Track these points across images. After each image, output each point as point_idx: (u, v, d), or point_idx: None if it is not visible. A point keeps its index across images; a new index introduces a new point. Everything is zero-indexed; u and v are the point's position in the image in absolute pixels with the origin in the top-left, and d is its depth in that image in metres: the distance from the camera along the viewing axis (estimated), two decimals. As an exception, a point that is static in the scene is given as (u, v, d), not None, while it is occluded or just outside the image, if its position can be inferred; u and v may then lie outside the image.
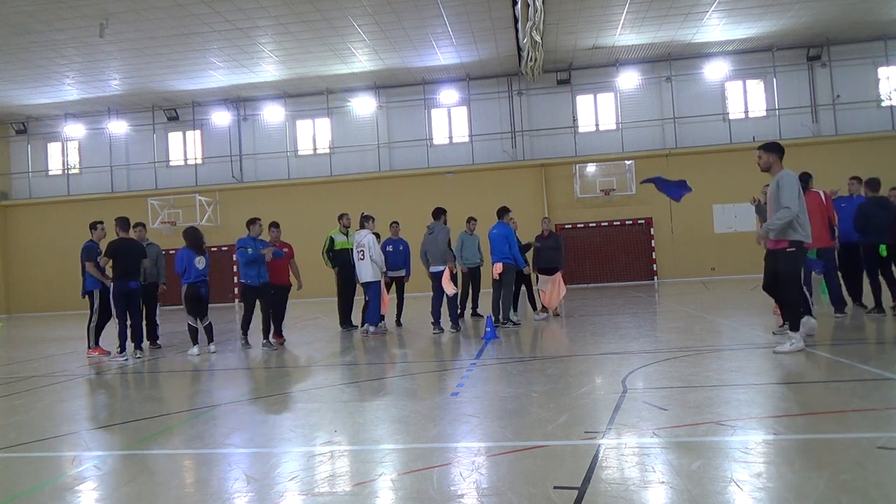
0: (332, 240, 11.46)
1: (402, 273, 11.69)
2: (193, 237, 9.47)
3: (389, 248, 11.50)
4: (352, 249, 10.81)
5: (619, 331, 9.46)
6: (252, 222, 9.92)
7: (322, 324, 13.49)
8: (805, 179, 9.27)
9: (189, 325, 9.52)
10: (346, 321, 11.64)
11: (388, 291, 11.50)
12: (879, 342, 7.50)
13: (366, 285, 10.55)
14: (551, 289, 11.69)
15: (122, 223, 9.61)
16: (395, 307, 12.14)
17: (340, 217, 11.72)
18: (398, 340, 10.03)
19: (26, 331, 17.39)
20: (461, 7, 17.66)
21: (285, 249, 10.37)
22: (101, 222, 10.04)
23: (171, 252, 24.89)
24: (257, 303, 10.02)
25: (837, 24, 20.81)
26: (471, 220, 12.09)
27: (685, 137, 23.09)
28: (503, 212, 10.96)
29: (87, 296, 9.81)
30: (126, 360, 9.17)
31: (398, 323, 11.96)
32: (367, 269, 10.44)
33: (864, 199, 9.64)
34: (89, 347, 9.79)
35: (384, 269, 10.75)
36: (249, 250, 9.64)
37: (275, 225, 10.41)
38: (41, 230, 25.50)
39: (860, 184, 9.88)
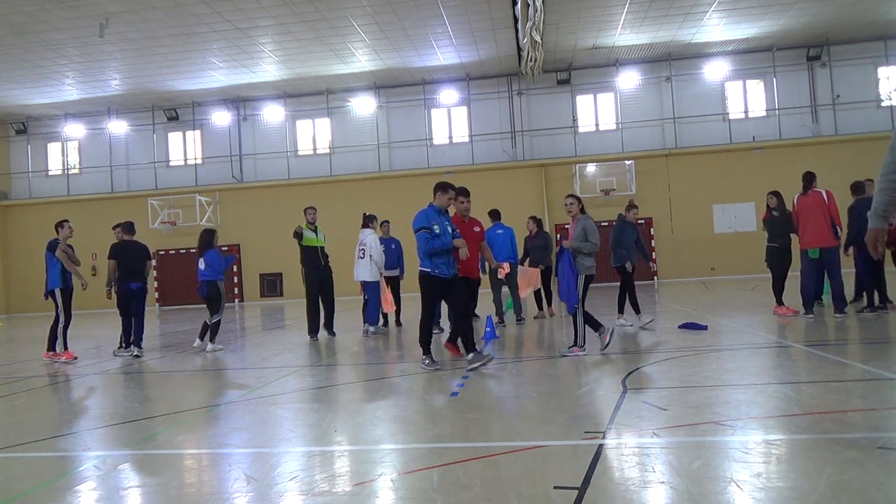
0: (300, 236, 10.42)
1: (397, 273, 11.62)
2: (199, 239, 9.90)
3: (382, 248, 11.42)
4: (321, 248, 10.47)
5: (619, 331, 9.45)
6: (442, 189, 7.10)
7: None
8: (809, 179, 9.32)
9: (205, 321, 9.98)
10: (314, 329, 10.33)
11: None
12: (879, 342, 7.50)
13: (364, 284, 10.53)
14: (523, 278, 11.07)
15: (127, 227, 9.94)
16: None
17: (305, 211, 10.65)
18: (398, 340, 10.02)
19: (26, 331, 17.39)
20: (461, 7, 17.66)
21: (476, 229, 7.85)
22: (67, 221, 9.63)
23: (170, 252, 25.03)
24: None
25: (837, 24, 20.81)
26: None
27: (685, 137, 23.10)
28: (498, 214, 11.47)
29: (49, 296, 9.42)
30: (132, 354, 9.45)
31: (398, 323, 11.93)
32: (366, 269, 10.41)
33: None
34: (49, 350, 9.32)
35: (382, 271, 10.65)
36: (436, 228, 6.79)
37: (463, 192, 7.62)
38: (41, 230, 25.35)
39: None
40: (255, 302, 24.56)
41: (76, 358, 9.20)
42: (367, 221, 10.70)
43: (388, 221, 12.14)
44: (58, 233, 9.53)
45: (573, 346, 7.28)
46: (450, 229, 6.92)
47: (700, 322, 9.23)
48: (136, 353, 9.55)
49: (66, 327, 9.32)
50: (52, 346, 9.35)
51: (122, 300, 9.55)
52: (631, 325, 9.63)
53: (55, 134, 26.33)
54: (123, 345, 9.74)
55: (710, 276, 22.20)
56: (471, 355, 6.66)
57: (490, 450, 3.93)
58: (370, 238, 10.48)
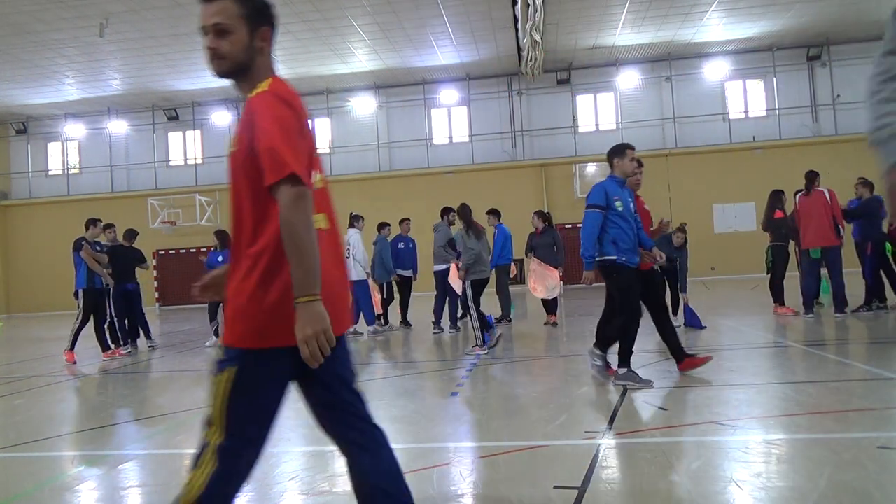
0: None
1: (411, 273, 11.36)
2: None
3: (401, 245, 11.22)
4: None
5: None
6: (620, 153, 6.13)
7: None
8: (812, 178, 9.33)
9: None
10: None
11: (397, 291, 11.36)
12: (879, 342, 7.50)
13: (351, 284, 10.39)
14: (535, 276, 10.18)
15: (127, 234, 10.48)
16: (400, 306, 11.86)
17: None
18: (398, 340, 10.02)
19: (26, 331, 17.39)
20: (461, 7, 17.65)
21: (646, 207, 6.71)
22: (100, 220, 9.87)
23: (170, 252, 25.01)
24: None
25: (837, 24, 20.80)
26: None
27: (685, 137, 23.08)
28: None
29: (75, 295, 9.54)
30: (130, 352, 9.80)
31: (406, 323, 11.46)
32: (359, 268, 10.37)
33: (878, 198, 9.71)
34: (105, 350, 9.36)
35: (368, 270, 10.50)
36: (618, 204, 5.63)
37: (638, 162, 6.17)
38: (41, 230, 25.48)
39: (864, 186, 9.88)
40: (255, 302, 24.53)
41: (75, 363, 9.10)
42: (353, 221, 10.66)
43: (408, 219, 11.73)
44: (87, 230, 9.63)
45: (475, 345, 7.84)
46: (633, 207, 5.72)
47: (700, 318, 9.19)
48: (149, 345, 10.27)
49: (79, 328, 9.31)
50: (106, 346, 9.37)
51: (119, 302, 9.85)
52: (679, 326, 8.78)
53: (55, 134, 26.31)
54: (122, 343, 9.89)
55: (710, 275, 22.19)
56: (622, 371, 5.38)
57: (490, 450, 3.93)
58: (354, 238, 10.43)
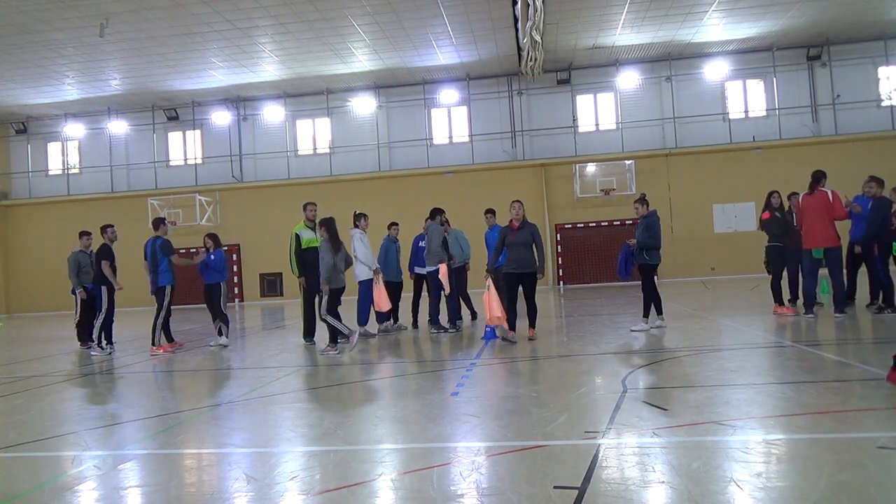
0: (297, 237, 9.61)
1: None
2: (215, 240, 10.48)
3: (422, 244, 10.92)
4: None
5: (619, 331, 9.46)
6: None
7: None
8: (817, 178, 9.33)
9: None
10: (311, 333, 9.89)
11: (420, 290, 11.31)
12: (879, 342, 7.49)
13: (358, 283, 10.39)
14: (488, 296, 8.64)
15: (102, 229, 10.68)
16: (412, 306, 11.67)
17: (305, 207, 10.04)
18: (398, 340, 10.01)
19: (26, 331, 17.39)
20: (461, 7, 17.66)
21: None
22: (165, 217, 10.22)
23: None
24: None
25: (837, 24, 20.81)
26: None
27: (685, 137, 23.09)
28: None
29: (157, 292, 9.73)
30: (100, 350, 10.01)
31: (416, 324, 11.30)
32: (362, 267, 10.31)
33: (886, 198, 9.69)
34: (154, 345, 9.66)
35: (373, 267, 10.26)
36: None
37: None
38: (41, 230, 25.49)
39: (879, 185, 9.82)
40: (255, 302, 24.56)
41: (182, 344, 10.10)
42: (356, 220, 10.61)
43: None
44: (157, 229, 9.90)
45: (326, 346, 8.63)
46: None
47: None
48: (99, 349, 10.07)
49: (166, 322, 9.85)
50: (170, 338, 10.04)
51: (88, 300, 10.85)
52: (656, 327, 9.00)
53: (55, 134, 26.32)
54: (95, 341, 10.16)
55: (710, 275, 22.20)
56: None
57: (490, 450, 3.93)
58: (354, 238, 10.39)
